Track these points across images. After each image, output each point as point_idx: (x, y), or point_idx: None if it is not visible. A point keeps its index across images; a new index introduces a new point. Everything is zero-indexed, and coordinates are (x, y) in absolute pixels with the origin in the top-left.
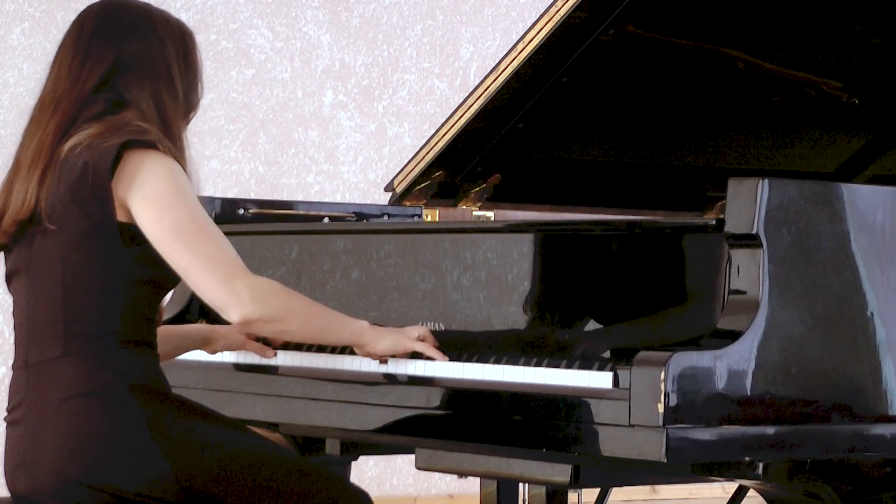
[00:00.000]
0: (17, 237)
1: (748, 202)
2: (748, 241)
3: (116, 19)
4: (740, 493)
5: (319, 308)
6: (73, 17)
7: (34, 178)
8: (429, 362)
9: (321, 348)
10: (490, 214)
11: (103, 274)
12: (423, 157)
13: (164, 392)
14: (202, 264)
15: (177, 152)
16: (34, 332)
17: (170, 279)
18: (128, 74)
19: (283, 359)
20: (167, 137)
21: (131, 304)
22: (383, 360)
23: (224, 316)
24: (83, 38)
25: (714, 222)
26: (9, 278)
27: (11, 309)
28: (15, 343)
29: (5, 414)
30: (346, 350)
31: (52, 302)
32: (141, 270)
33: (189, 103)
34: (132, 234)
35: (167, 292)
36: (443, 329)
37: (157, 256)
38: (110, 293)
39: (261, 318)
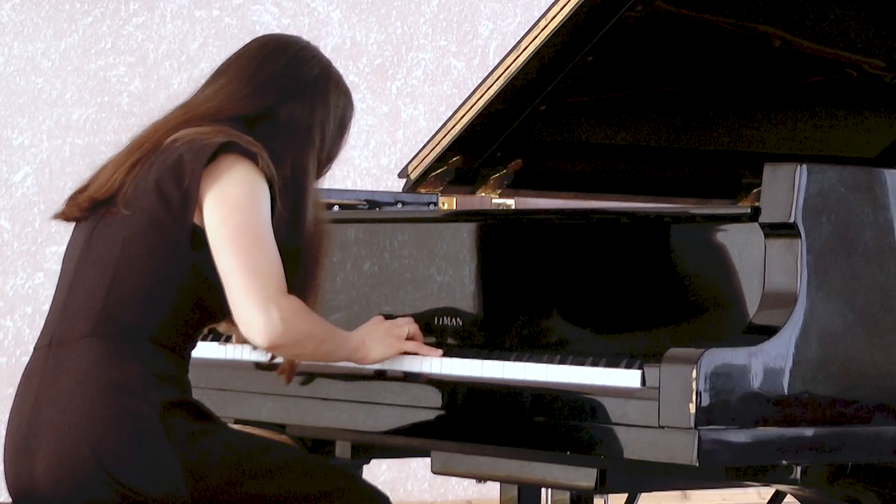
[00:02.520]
0: (88, 214)
1: (785, 189)
2: (785, 230)
3: (299, 75)
4: (777, 498)
5: (329, 328)
6: None
7: (127, 163)
8: (445, 359)
9: None
10: (511, 202)
11: (158, 270)
12: (440, 142)
13: (186, 392)
14: (246, 273)
15: (273, 174)
16: (68, 310)
17: (215, 303)
18: (277, 125)
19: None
20: (294, 188)
21: (173, 311)
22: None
23: (246, 333)
24: (258, 75)
25: (749, 211)
26: (66, 253)
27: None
28: (45, 323)
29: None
30: None
31: (98, 283)
32: (195, 280)
33: (329, 159)
34: (203, 241)
35: (207, 324)
36: (460, 324)
37: (215, 273)
38: (157, 292)
39: (285, 343)
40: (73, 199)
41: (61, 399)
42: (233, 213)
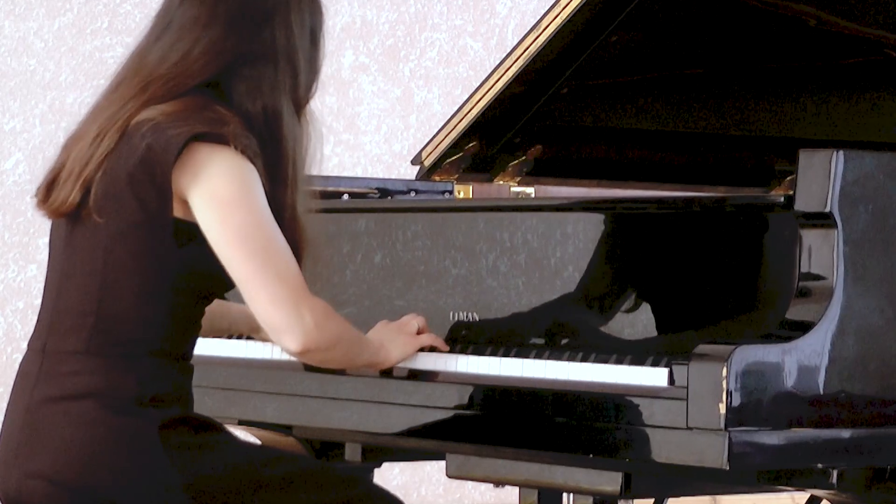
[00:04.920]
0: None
1: (821, 177)
2: (821, 220)
3: (252, 6)
4: None
5: (355, 331)
6: None
7: (94, 157)
8: (461, 357)
9: None
10: (530, 190)
11: (148, 273)
12: (455, 126)
13: (187, 405)
14: (266, 279)
15: (255, 151)
16: (59, 319)
17: (220, 289)
18: (245, 69)
19: None
20: (278, 142)
21: (172, 312)
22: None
23: (277, 338)
24: (212, 26)
25: (782, 199)
26: (51, 245)
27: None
28: (37, 322)
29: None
30: None
31: (85, 293)
32: (192, 276)
33: (308, 89)
34: (188, 233)
35: (212, 302)
36: (477, 320)
37: (211, 263)
38: (152, 296)
39: (319, 347)
40: (44, 200)
41: (56, 414)
42: (230, 212)
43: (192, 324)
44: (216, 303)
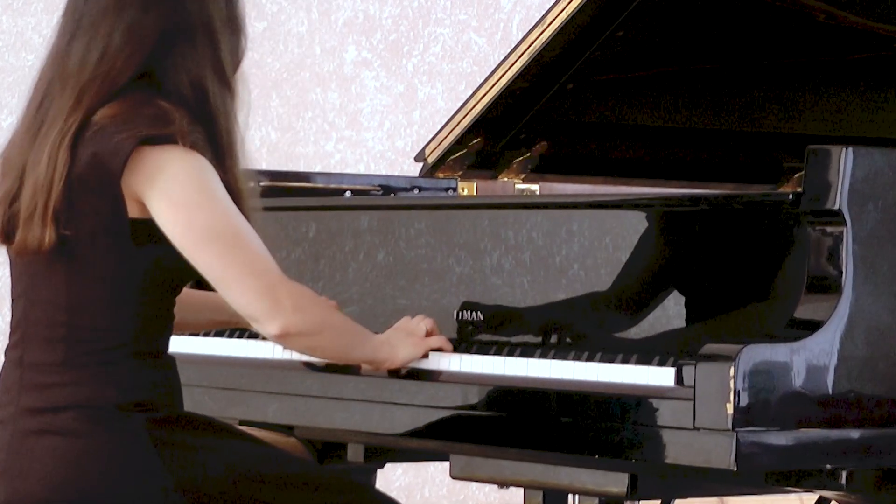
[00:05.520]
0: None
1: (829, 174)
2: (829, 217)
3: None
4: None
5: (347, 319)
6: None
7: (51, 181)
8: (465, 356)
9: None
10: (535, 188)
11: (112, 278)
12: (459, 123)
13: (174, 409)
14: (240, 272)
15: (202, 143)
16: (32, 331)
17: (188, 278)
18: (171, 50)
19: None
20: (209, 118)
21: (145, 311)
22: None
23: (258, 327)
24: (128, 4)
25: (790, 197)
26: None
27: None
28: (11, 331)
29: None
30: None
31: (54, 305)
32: (157, 273)
33: (234, 53)
34: (148, 232)
35: (180, 293)
36: (481, 319)
37: (176, 257)
38: (121, 300)
39: (301, 331)
40: (7, 239)
41: (42, 426)
42: (193, 215)
43: (165, 319)
44: (193, 296)
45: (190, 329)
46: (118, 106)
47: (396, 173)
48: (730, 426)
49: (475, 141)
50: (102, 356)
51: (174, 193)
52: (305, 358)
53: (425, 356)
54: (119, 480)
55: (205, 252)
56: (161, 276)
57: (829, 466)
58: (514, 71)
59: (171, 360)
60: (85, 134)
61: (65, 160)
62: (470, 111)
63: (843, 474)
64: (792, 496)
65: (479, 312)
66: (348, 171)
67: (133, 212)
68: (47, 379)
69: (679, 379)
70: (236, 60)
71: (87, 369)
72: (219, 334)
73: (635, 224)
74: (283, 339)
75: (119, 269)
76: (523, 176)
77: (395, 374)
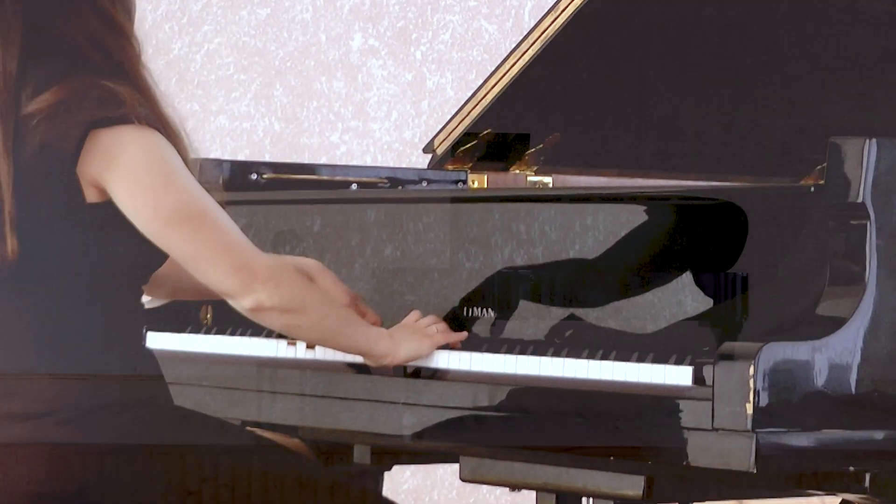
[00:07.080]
0: None
1: (853, 166)
2: (853, 211)
3: None
4: None
5: (337, 305)
6: None
7: (4, 182)
8: (475, 354)
9: None
10: (548, 180)
11: (77, 269)
12: (469, 113)
13: (162, 402)
14: (211, 251)
15: (157, 117)
16: (1, 336)
17: (158, 260)
18: (73, 35)
19: (303, 350)
20: (120, 72)
21: (114, 298)
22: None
23: (234, 303)
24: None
25: (812, 190)
26: None
27: None
28: None
29: None
30: None
31: (18, 306)
32: (122, 259)
33: (127, 10)
34: (108, 216)
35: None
36: (491, 316)
37: (140, 240)
38: (87, 291)
39: (276, 305)
40: None
41: (25, 432)
42: (159, 198)
43: (138, 297)
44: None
45: (188, 296)
46: (59, 92)
47: (404, 165)
48: (749, 427)
49: (486, 132)
50: (75, 354)
51: (136, 177)
52: (309, 356)
53: (432, 353)
54: (113, 487)
55: (174, 235)
56: (127, 261)
57: (852, 469)
58: (527, 59)
59: (149, 353)
60: (29, 123)
61: (7, 169)
62: (480, 101)
63: (867, 477)
64: (813, 499)
65: (489, 309)
66: (354, 162)
67: (91, 197)
68: (24, 387)
69: (697, 378)
70: (127, 6)
71: (63, 371)
72: (219, 332)
73: (652, 218)
74: (258, 313)
75: (81, 259)
76: (535, 168)
77: (400, 372)
